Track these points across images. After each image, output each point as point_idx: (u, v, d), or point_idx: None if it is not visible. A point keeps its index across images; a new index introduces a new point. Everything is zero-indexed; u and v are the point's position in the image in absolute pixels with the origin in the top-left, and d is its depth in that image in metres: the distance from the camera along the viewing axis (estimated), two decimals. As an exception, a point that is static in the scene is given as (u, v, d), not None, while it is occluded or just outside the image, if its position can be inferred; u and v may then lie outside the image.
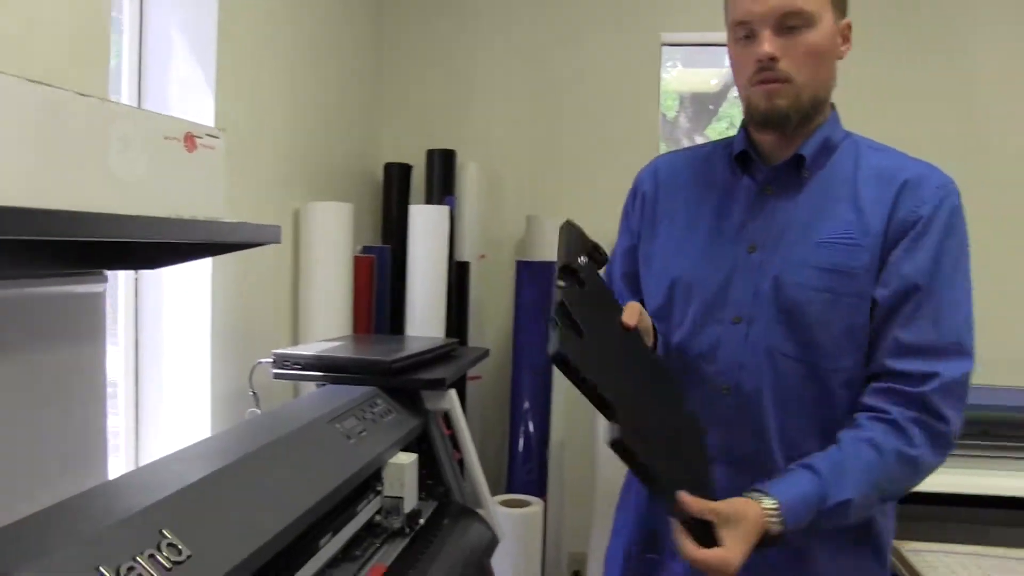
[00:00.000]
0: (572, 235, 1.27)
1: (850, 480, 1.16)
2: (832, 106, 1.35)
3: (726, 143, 1.41)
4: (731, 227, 1.33)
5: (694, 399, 1.35)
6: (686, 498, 1.07)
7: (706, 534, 1.08)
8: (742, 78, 1.29)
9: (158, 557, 0.87)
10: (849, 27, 1.30)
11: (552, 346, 1.02)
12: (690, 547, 1.08)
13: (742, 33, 1.26)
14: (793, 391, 1.27)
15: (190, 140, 1.24)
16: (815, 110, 1.29)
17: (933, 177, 1.26)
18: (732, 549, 1.07)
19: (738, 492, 1.16)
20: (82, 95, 1.04)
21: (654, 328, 1.34)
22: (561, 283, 1.13)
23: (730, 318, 1.31)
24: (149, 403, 1.94)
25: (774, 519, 1.12)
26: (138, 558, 0.85)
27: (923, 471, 1.22)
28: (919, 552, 1.89)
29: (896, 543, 1.86)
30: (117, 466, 1.86)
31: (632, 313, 1.23)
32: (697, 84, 8.31)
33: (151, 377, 1.95)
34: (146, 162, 1.13)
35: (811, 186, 1.28)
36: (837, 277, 1.23)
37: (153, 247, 1.37)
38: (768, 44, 1.23)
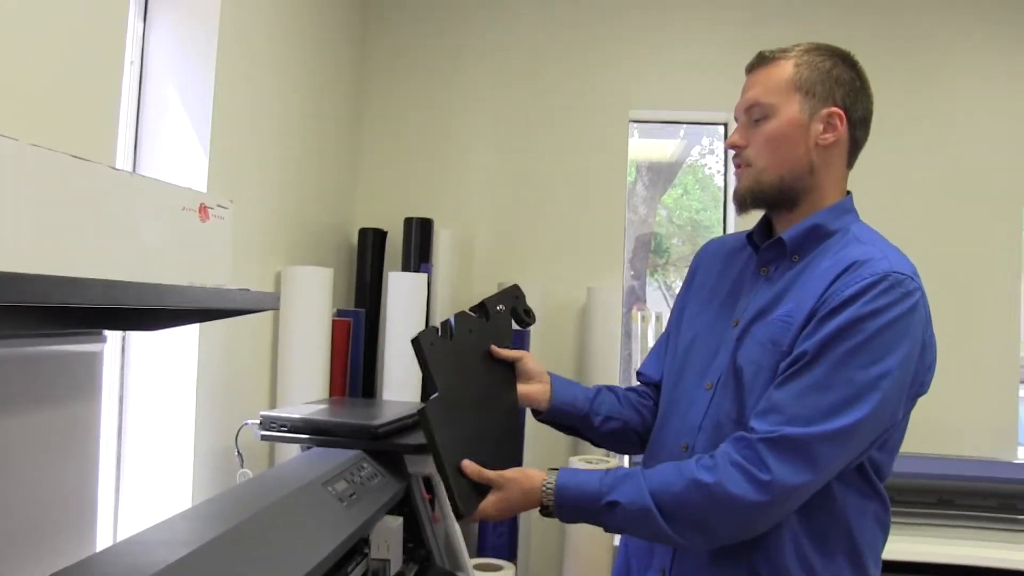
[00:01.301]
0: (508, 292, 1.60)
1: (629, 487, 1.27)
2: (848, 195, 1.40)
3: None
4: (731, 303, 1.43)
5: (661, 453, 1.44)
6: (468, 466, 1.35)
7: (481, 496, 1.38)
8: None
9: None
10: (835, 115, 1.34)
11: (417, 333, 1.39)
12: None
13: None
14: None
15: (204, 211, 1.29)
16: (788, 193, 1.36)
17: (877, 264, 1.26)
18: (487, 506, 1.35)
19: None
20: (114, 169, 1.09)
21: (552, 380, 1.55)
22: (468, 311, 1.51)
23: (706, 384, 1.39)
24: (131, 462, 1.95)
25: (547, 495, 1.32)
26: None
27: (725, 503, 1.20)
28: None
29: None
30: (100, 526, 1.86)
31: (511, 353, 1.52)
32: (654, 153, 8.57)
33: (135, 436, 1.96)
34: (167, 232, 1.18)
35: (796, 270, 1.35)
36: (767, 351, 1.30)
37: (159, 311, 1.41)
38: (735, 133, 1.40)
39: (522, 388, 1.52)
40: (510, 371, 1.52)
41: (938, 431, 3.05)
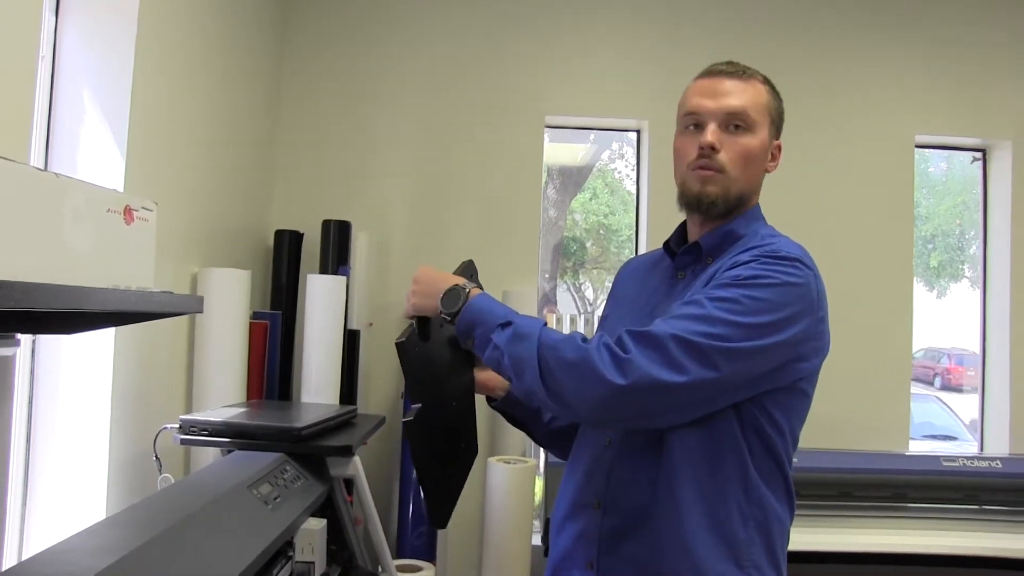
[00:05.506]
0: (465, 268, 1.62)
1: (528, 322, 1.31)
2: (757, 206, 1.48)
3: None
4: (651, 307, 1.47)
5: (582, 448, 1.48)
6: None
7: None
8: (682, 164, 1.44)
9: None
10: (779, 149, 1.47)
11: (399, 337, 1.41)
12: None
13: (691, 123, 1.43)
14: (641, 443, 1.37)
15: (128, 213, 1.27)
16: (739, 206, 1.44)
17: (774, 246, 1.34)
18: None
19: (618, 535, 1.36)
20: (39, 170, 1.07)
21: None
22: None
23: None
24: (41, 470, 1.90)
25: (466, 290, 1.38)
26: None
27: (586, 374, 1.22)
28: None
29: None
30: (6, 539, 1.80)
31: None
32: (564, 157, 8.66)
33: (45, 444, 1.90)
34: (91, 234, 1.16)
35: (709, 270, 1.41)
36: None
37: (79, 314, 1.38)
38: (712, 135, 1.39)
39: (481, 375, 1.54)
40: (471, 355, 1.51)
41: (837, 427, 3.21)
